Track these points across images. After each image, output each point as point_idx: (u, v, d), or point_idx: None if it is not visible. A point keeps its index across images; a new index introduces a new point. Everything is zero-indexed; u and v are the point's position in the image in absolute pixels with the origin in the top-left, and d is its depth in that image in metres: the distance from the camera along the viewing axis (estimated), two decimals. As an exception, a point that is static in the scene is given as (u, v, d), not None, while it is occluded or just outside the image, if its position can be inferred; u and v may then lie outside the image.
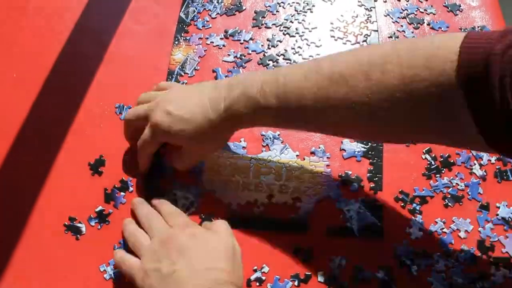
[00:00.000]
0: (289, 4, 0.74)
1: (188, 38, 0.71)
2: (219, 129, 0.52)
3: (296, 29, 0.72)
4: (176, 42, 0.71)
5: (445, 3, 0.74)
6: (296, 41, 0.71)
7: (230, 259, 0.48)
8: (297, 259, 0.55)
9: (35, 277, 0.54)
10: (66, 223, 0.57)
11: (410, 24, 0.72)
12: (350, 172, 0.60)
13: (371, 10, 0.73)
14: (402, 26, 0.72)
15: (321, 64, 0.46)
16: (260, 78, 0.48)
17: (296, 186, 0.59)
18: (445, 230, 0.56)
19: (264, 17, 0.73)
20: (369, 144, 0.62)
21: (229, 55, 0.69)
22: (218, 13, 0.74)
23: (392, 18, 0.73)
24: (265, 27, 0.72)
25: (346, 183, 0.59)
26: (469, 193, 0.58)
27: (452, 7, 0.73)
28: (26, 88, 0.67)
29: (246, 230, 0.56)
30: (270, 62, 0.68)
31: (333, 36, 0.71)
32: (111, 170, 0.61)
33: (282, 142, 0.62)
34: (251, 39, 0.71)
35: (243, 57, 0.69)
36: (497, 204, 0.57)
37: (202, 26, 0.72)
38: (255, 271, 0.54)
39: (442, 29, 0.71)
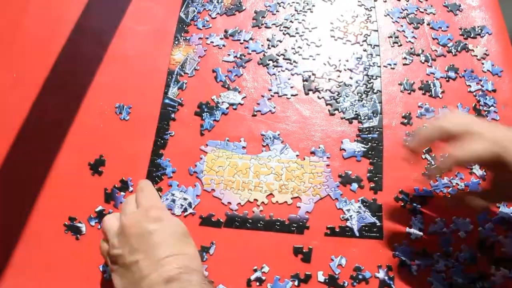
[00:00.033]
0: (289, 4, 0.74)
1: (188, 38, 0.71)
2: None
3: (296, 29, 0.72)
4: (176, 42, 0.71)
5: (445, 3, 0.74)
6: (296, 41, 0.71)
7: (192, 243, 0.47)
8: (297, 259, 0.55)
9: (35, 276, 0.54)
10: (66, 223, 0.57)
11: (410, 24, 0.72)
12: (350, 172, 0.60)
13: (371, 10, 0.73)
14: (402, 26, 0.72)
15: None
16: None
17: (296, 186, 0.59)
18: (445, 230, 0.56)
19: (264, 17, 0.73)
20: (369, 144, 0.62)
21: (229, 55, 0.69)
22: (218, 13, 0.74)
23: (392, 18, 0.73)
24: (265, 27, 0.72)
25: (346, 183, 0.59)
26: (469, 193, 0.58)
27: (452, 7, 0.73)
28: (26, 88, 0.67)
29: (246, 230, 0.56)
30: (270, 62, 0.68)
31: (333, 36, 0.71)
32: (111, 170, 0.61)
33: (282, 142, 0.62)
34: (251, 39, 0.71)
35: (243, 57, 0.69)
36: (497, 204, 0.57)
37: (202, 26, 0.72)
38: (255, 271, 0.54)
39: (442, 28, 0.71)
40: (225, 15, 0.73)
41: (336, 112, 0.64)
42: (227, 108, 0.65)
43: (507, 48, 0.69)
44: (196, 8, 0.74)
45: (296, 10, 0.73)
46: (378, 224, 0.56)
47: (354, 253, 0.55)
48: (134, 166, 0.61)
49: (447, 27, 0.72)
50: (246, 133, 0.63)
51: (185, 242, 0.47)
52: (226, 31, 0.71)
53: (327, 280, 0.53)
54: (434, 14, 0.73)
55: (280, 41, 0.70)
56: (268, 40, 0.71)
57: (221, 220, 0.57)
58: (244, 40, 0.71)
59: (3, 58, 0.70)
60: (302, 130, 0.63)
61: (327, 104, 0.65)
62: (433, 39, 0.70)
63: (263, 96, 0.66)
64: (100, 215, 0.57)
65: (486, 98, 0.65)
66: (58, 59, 0.70)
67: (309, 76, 0.67)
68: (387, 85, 0.66)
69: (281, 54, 0.69)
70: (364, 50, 0.69)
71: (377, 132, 0.63)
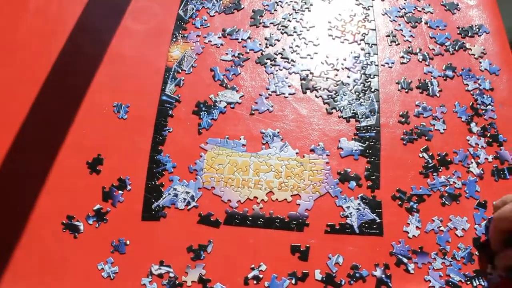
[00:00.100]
0: (287, 3, 0.74)
1: (186, 35, 0.71)
2: None
3: (294, 28, 0.72)
4: (174, 39, 0.71)
5: (442, 1, 0.74)
6: (294, 40, 0.71)
7: None
8: (295, 257, 0.55)
9: (34, 275, 0.54)
10: (64, 222, 0.57)
11: (407, 22, 0.72)
12: (349, 170, 0.60)
13: (368, 9, 0.73)
14: (399, 24, 0.72)
15: None
16: None
17: (295, 184, 0.59)
18: (442, 228, 0.56)
19: (262, 16, 0.73)
20: (367, 142, 0.62)
21: (227, 53, 0.70)
22: (216, 11, 0.74)
23: (389, 17, 0.73)
24: (263, 26, 0.72)
25: (345, 180, 0.59)
26: (467, 191, 0.58)
27: (449, 6, 0.74)
28: (26, 88, 0.67)
29: (244, 227, 0.57)
30: (268, 61, 0.69)
31: (331, 35, 0.71)
32: (109, 168, 0.61)
33: (281, 139, 0.62)
34: (249, 37, 0.71)
35: (241, 56, 0.69)
36: (494, 202, 0.57)
37: (201, 25, 0.72)
38: (253, 269, 0.54)
39: (440, 27, 0.71)
40: (223, 14, 0.74)
41: (333, 111, 0.64)
42: (225, 107, 0.65)
43: (505, 47, 0.70)
44: (195, 6, 0.74)
45: (294, 9, 0.74)
46: (378, 220, 0.57)
47: (352, 252, 0.55)
48: (132, 164, 0.61)
49: (445, 26, 0.72)
50: (244, 132, 0.63)
51: None
52: (224, 30, 0.72)
53: (324, 279, 0.53)
54: (431, 13, 0.73)
55: (278, 40, 0.71)
56: (266, 39, 0.71)
57: (219, 220, 0.57)
58: (242, 39, 0.71)
59: (3, 58, 0.70)
60: (299, 129, 0.63)
61: (324, 103, 0.65)
62: (431, 38, 0.71)
63: (261, 95, 0.66)
64: (98, 214, 0.58)
65: (484, 97, 0.65)
66: (58, 59, 0.70)
67: (307, 75, 0.67)
68: (384, 84, 0.67)
69: (279, 53, 0.69)
70: (362, 49, 0.70)
71: (374, 131, 0.63)
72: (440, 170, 0.60)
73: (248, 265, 0.54)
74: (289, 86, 0.67)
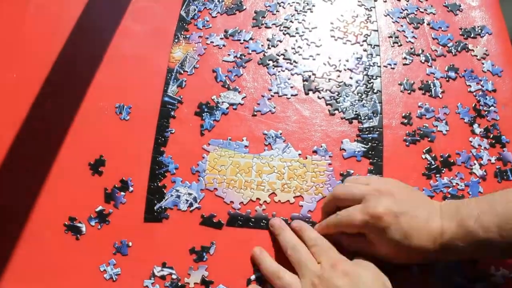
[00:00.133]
0: (289, 4, 0.74)
1: (188, 36, 0.71)
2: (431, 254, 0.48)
3: (296, 29, 0.72)
4: (176, 40, 0.71)
5: (445, 3, 0.74)
6: (296, 41, 0.71)
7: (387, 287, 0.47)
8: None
9: (35, 277, 0.54)
10: (66, 223, 0.57)
11: (410, 24, 0.72)
12: (352, 171, 0.60)
13: (371, 10, 0.73)
14: (402, 26, 0.72)
15: None
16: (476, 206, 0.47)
17: (298, 185, 0.59)
18: (445, 229, 0.56)
19: (264, 17, 0.73)
20: (369, 144, 0.62)
21: (229, 54, 0.69)
22: (218, 12, 0.74)
23: (392, 18, 0.73)
24: (265, 27, 0.72)
25: (347, 182, 0.59)
26: (470, 192, 0.58)
27: (452, 7, 0.74)
28: (26, 88, 0.67)
29: (247, 229, 0.56)
30: (270, 62, 0.69)
31: (333, 36, 0.71)
32: (111, 170, 0.61)
33: (284, 141, 0.62)
34: (251, 39, 0.71)
35: (243, 57, 0.69)
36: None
37: (203, 26, 0.72)
38: (256, 271, 0.54)
39: (442, 28, 0.71)
40: (225, 14, 0.73)
41: (336, 112, 0.64)
42: (227, 108, 0.65)
43: (507, 48, 0.70)
44: (196, 7, 0.74)
45: (296, 10, 0.74)
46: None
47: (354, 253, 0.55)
48: (135, 166, 0.61)
49: (447, 27, 0.72)
50: (247, 133, 0.63)
51: None
52: (226, 31, 0.71)
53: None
54: (434, 14, 0.73)
55: (280, 41, 0.71)
56: (268, 40, 0.71)
57: (222, 221, 0.57)
58: (244, 40, 0.71)
59: (4, 58, 0.70)
60: (302, 130, 0.63)
61: (327, 104, 0.65)
62: (433, 39, 0.70)
63: (263, 96, 0.66)
64: (100, 215, 0.57)
65: (486, 98, 0.65)
66: (58, 59, 0.70)
67: (309, 76, 0.67)
68: (387, 85, 0.66)
69: (281, 54, 0.69)
70: (364, 50, 0.69)
71: (377, 132, 0.63)
72: (443, 171, 0.60)
73: (251, 266, 0.54)
74: (291, 87, 0.66)
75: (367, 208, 0.49)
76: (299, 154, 0.61)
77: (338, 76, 0.67)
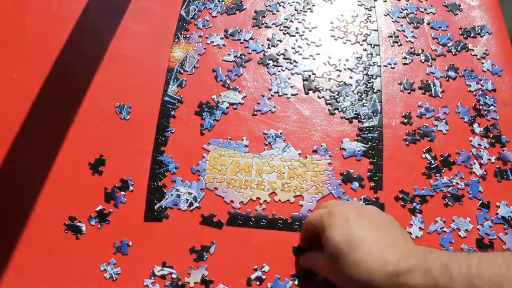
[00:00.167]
0: (289, 3, 0.74)
1: (188, 36, 0.71)
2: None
3: (296, 28, 0.72)
4: (176, 40, 0.71)
5: (445, 2, 0.74)
6: (296, 40, 0.71)
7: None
8: (298, 258, 0.55)
9: (36, 276, 0.54)
10: (66, 223, 0.57)
11: (410, 23, 0.72)
12: (352, 171, 0.60)
13: (371, 10, 0.73)
14: (402, 25, 0.72)
15: None
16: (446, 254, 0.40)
17: (298, 185, 0.59)
18: (445, 229, 0.56)
19: (264, 17, 0.73)
20: (369, 143, 0.62)
21: (229, 54, 0.69)
22: (218, 12, 0.74)
23: (392, 18, 0.73)
24: (265, 26, 0.72)
25: (347, 181, 0.59)
26: (470, 192, 0.58)
27: (452, 7, 0.74)
28: (26, 88, 0.67)
29: (247, 228, 0.56)
30: (270, 62, 0.69)
31: (333, 36, 0.71)
32: (111, 169, 0.61)
33: (284, 140, 0.62)
34: (251, 38, 0.71)
35: (243, 57, 0.69)
36: (497, 203, 0.57)
37: (203, 26, 0.72)
38: (255, 270, 0.54)
39: (442, 28, 0.71)
40: (225, 14, 0.73)
41: (336, 111, 0.64)
42: (227, 108, 0.65)
43: (507, 47, 0.70)
44: (197, 7, 0.74)
45: (296, 10, 0.74)
46: (379, 223, 0.56)
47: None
48: (135, 165, 0.61)
49: (447, 26, 0.72)
50: (247, 132, 0.63)
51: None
52: (226, 31, 0.72)
53: (327, 280, 0.53)
54: (434, 13, 0.73)
55: (280, 41, 0.71)
56: (268, 39, 0.71)
57: (222, 221, 0.57)
58: (244, 40, 0.71)
59: (4, 58, 0.70)
60: (302, 130, 0.63)
61: (327, 104, 0.65)
62: (433, 38, 0.71)
63: (263, 96, 0.66)
64: (101, 215, 0.57)
65: (486, 98, 0.65)
66: (58, 59, 0.70)
67: (309, 76, 0.67)
68: (387, 84, 0.66)
69: (281, 54, 0.69)
70: (364, 50, 0.70)
71: (377, 132, 0.63)
72: (443, 170, 0.60)
73: (251, 266, 0.54)
74: (291, 86, 0.66)
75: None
76: (299, 154, 0.61)
77: (338, 75, 0.67)
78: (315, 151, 0.61)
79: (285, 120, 0.64)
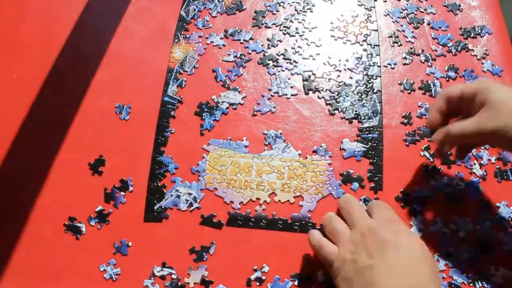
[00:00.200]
0: (289, 3, 0.74)
1: (188, 36, 0.71)
2: None
3: (296, 28, 0.72)
4: (176, 40, 0.71)
5: (445, 2, 0.74)
6: (296, 40, 0.71)
7: (432, 265, 0.44)
8: (298, 258, 0.55)
9: (35, 277, 0.54)
10: (66, 223, 0.57)
11: (410, 23, 0.72)
12: (352, 171, 0.60)
13: (371, 10, 0.73)
14: (402, 25, 0.72)
15: None
16: None
17: (298, 185, 0.59)
18: (445, 230, 0.56)
19: (264, 17, 0.73)
20: (369, 143, 0.62)
21: (229, 54, 0.69)
22: (218, 12, 0.74)
23: (392, 18, 0.73)
24: (265, 26, 0.72)
25: (347, 181, 0.59)
26: (470, 192, 0.58)
27: (452, 7, 0.74)
28: (26, 88, 0.67)
29: (247, 229, 0.56)
30: (270, 62, 0.68)
31: (333, 36, 0.71)
32: (111, 170, 0.61)
33: (284, 141, 0.62)
34: (251, 38, 0.71)
35: (243, 57, 0.69)
36: (497, 204, 0.57)
37: (203, 26, 0.72)
38: (255, 270, 0.54)
39: (442, 28, 0.71)
40: (225, 14, 0.73)
41: (336, 112, 0.64)
42: (227, 108, 0.65)
43: (507, 48, 0.70)
44: (196, 7, 0.74)
45: (296, 10, 0.73)
46: (379, 224, 0.56)
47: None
48: (134, 166, 0.61)
49: (447, 27, 0.72)
50: (246, 133, 0.63)
51: (427, 261, 0.44)
52: (226, 31, 0.71)
53: (327, 280, 0.53)
54: (434, 13, 0.73)
55: (280, 41, 0.71)
56: (268, 40, 0.71)
57: (222, 221, 0.57)
58: (244, 40, 0.71)
59: (3, 58, 0.70)
60: (302, 130, 0.63)
61: (327, 104, 0.65)
62: (433, 39, 0.70)
63: (263, 96, 0.66)
64: (100, 215, 0.57)
65: (486, 98, 0.65)
66: (58, 59, 0.70)
67: (309, 76, 0.67)
68: (387, 85, 0.66)
69: (281, 54, 0.69)
70: (364, 50, 0.69)
71: (377, 132, 0.63)
72: (441, 170, 0.60)
73: (251, 266, 0.54)
74: (291, 87, 0.66)
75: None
76: (299, 154, 0.61)
77: (338, 76, 0.67)
78: (315, 152, 0.61)
79: (285, 121, 0.64)
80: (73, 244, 0.56)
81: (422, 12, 0.73)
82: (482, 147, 0.61)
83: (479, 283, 0.52)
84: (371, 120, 0.64)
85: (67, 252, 0.55)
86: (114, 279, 0.54)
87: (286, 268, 0.54)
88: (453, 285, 0.52)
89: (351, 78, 0.67)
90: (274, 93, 0.66)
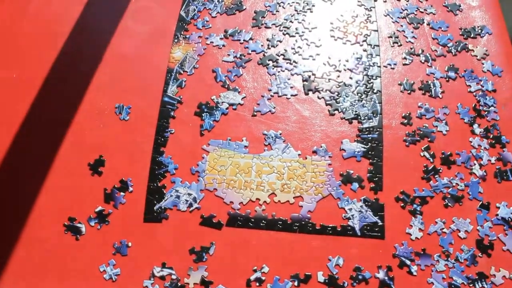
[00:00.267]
0: (289, 4, 0.74)
1: (187, 36, 0.71)
2: None
3: (296, 29, 0.72)
4: (176, 40, 0.71)
5: (445, 3, 0.74)
6: (296, 41, 0.71)
7: None
8: (298, 258, 0.55)
9: (35, 276, 0.54)
10: (66, 223, 0.57)
11: (410, 24, 0.72)
12: (352, 172, 0.60)
13: (371, 10, 0.73)
14: (402, 26, 0.72)
15: None
16: None
17: (298, 185, 0.59)
18: (445, 230, 0.56)
19: (264, 17, 0.73)
20: (369, 144, 0.62)
21: (228, 55, 0.69)
22: (218, 12, 0.74)
23: (392, 18, 0.73)
24: (265, 27, 0.72)
25: (347, 182, 0.59)
26: (469, 193, 0.58)
27: (452, 7, 0.73)
28: (26, 88, 0.67)
29: (247, 229, 0.56)
30: (270, 62, 0.68)
31: (333, 36, 0.71)
32: (110, 170, 0.61)
33: (284, 141, 0.62)
34: (251, 39, 0.71)
35: (243, 57, 0.69)
36: (497, 204, 0.57)
37: (202, 26, 0.72)
38: (255, 271, 0.54)
39: (442, 28, 0.71)
40: (225, 14, 0.73)
41: (336, 112, 0.64)
42: (227, 108, 0.65)
43: (507, 48, 0.69)
44: (196, 7, 0.74)
45: (296, 10, 0.73)
46: (380, 223, 0.56)
47: (354, 253, 0.55)
48: (134, 166, 0.61)
49: (447, 27, 0.72)
50: (246, 133, 0.63)
51: None
52: (226, 31, 0.71)
53: (327, 281, 0.53)
54: (434, 14, 0.73)
55: (280, 41, 0.70)
56: (268, 40, 0.71)
57: (221, 221, 0.57)
58: (244, 40, 0.71)
59: (4, 59, 0.70)
60: (302, 130, 0.63)
61: (327, 104, 0.65)
62: (433, 39, 0.70)
63: (263, 96, 0.66)
64: (100, 216, 0.57)
65: (486, 98, 0.65)
66: (58, 59, 0.70)
67: (309, 76, 0.67)
68: (387, 85, 0.66)
69: (281, 54, 0.69)
70: (364, 50, 0.69)
71: (377, 132, 0.63)
72: (441, 170, 0.59)
73: (251, 267, 0.54)
74: (291, 87, 0.66)
75: None
76: (299, 155, 0.61)
77: (338, 76, 0.67)
78: (315, 152, 0.61)
79: (285, 121, 0.64)
80: (72, 244, 0.56)
81: (422, 12, 0.73)
82: (482, 147, 0.61)
83: (479, 283, 0.52)
84: (371, 120, 0.63)
85: (67, 253, 0.55)
86: (114, 280, 0.54)
87: (286, 268, 0.54)
88: (453, 285, 0.52)
89: (351, 78, 0.67)
90: (274, 93, 0.66)
